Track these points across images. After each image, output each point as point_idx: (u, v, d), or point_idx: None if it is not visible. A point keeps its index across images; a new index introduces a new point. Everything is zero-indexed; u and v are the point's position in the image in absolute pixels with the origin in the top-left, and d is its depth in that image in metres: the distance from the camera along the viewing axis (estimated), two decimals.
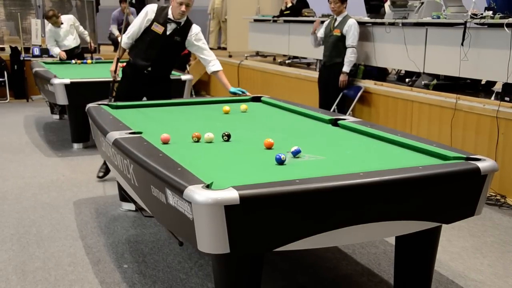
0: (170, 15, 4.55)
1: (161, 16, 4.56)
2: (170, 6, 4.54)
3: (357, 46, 6.33)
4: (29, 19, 10.40)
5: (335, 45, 6.33)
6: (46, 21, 8.05)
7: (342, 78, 6.26)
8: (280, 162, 2.64)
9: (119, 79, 4.86)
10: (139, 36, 4.66)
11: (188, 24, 4.65)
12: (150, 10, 4.57)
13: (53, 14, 7.81)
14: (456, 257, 3.68)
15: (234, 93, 4.58)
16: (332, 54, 6.37)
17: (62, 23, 7.99)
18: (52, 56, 8.52)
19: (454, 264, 3.57)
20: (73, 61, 8.00)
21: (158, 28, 4.55)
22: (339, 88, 6.31)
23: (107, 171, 5.10)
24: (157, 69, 4.75)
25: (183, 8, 4.46)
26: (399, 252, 2.98)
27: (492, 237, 4.04)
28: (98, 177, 5.19)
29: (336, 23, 6.36)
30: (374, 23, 6.74)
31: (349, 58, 6.24)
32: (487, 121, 4.87)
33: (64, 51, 8.07)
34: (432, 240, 2.88)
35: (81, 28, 8.40)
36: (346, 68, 6.26)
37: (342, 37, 6.27)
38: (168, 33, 4.58)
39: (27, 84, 9.51)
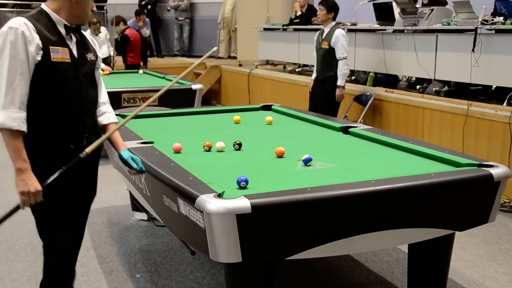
0: (61, 20, 2.48)
1: (48, 31, 2.43)
2: (56, 6, 2.47)
3: (367, 52, 6.30)
4: None
5: (324, 58, 5.95)
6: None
7: (338, 92, 5.85)
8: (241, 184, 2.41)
9: None
10: (30, 86, 2.38)
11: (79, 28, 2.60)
12: (22, 29, 2.32)
13: (97, 21, 8.08)
14: (470, 264, 3.64)
15: (125, 162, 2.74)
16: (323, 68, 6.00)
17: (100, 32, 8.24)
18: None
19: (468, 272, 3.54)
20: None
21: (60, 54, 2.44)
22: (327, 102, 5.93)
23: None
24: (92, 131, 2.66)
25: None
26: (412, 260, 2.96)
27: (507, 244, 3.99)
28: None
29: (324, 35, 5.96)
30: (384, 31, 6.74)
31: (342, 71, 5.82)
32: (499, 127, 4.83)
33: None
34: (446, 248, 2.86)
35: (109, 42, 8.76)
36: (340, 82, 5.84)
37: (331, 50, 5.85)
38: (76, 53, 2.53)
39: None
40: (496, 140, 4.87)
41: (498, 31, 5.30)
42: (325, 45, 5.92)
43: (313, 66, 8.81)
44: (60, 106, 2.46)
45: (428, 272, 2.89)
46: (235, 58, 11.41)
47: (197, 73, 10.34)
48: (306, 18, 8.77)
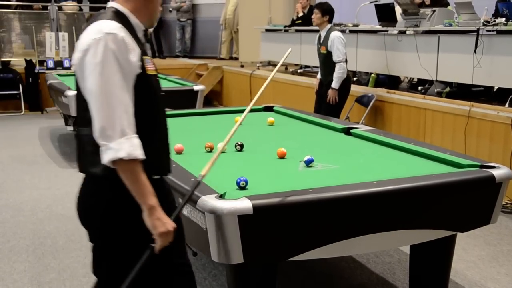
0: (139, 23, 2.02)
1: (134, 37, 1.95)
2: (133, 6, 1.98)
3: (372, 52, 6.30)
4: (44, 32, 10.53)
5: (325, 63, 5.91)
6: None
7: (331, 93, 5.79)
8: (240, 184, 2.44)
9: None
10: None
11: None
12: (122, 35, 1.87)
13: None
14: (472, 266, 3.64)
15: None
16: (326, 72, 5.95)
17: None
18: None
19: (470, 273, 3.53)
20: None
21: (151, 65, 2.01)
22: (329, 106, 5.87)
23: None
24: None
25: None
26: (414, 261, 2.96)
27: (509, 245, 3.99)
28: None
29: (322, 39, 5.90)
30: (386, 32, 6.74)
31: (337, 74, 5.74)
32: (501, 128, 4.83)
33: None
34: (447, 249, 2.85)
35: None
36: (334, 85, 5.77)
37: (330, 54, 5.79)
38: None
39: (42, 97, 9.60)
40: (498, 141, 4.86)
41: (500, 32, 5.29)
42: (323, 50, 5.89)
43: (315, 67, 8.78)
44: (156, 128, 2.01)
45: (430, 273, 2.89)
46: (237, 59, 11.41)
47: (199, 74, 10.34)
48: (308, 19, 8.77)
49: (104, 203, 1.96)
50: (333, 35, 5.78)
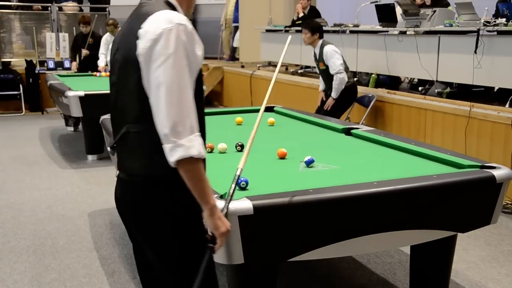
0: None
1: None
2: (176, 1, 1.90)
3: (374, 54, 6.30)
4: (44, 33, 10.54)
5: (328, 77, 5.95)
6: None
7: (329, 101, 5.89)
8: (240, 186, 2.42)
9: None
10: None
11: None
12: (191, 27, 1.78)
13: (112, 23, 8.16)
14: (472, 266, 3.64)
15: None
16: (328, 85, 6.02)
17: None
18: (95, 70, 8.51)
19: (470, 273, 3.53)
20: (89, 72, 8.19)
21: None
22: (327, 112, 5.86)
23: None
24: None
25: None
26: (414, 262, 2.96)
27: (509, 246, 3.99)
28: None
29: (317, 56, 5.98)
30: (386, 32, 6.73)
31: (335, 85, 5.81)
32: (501, 129, 4.82)
33: None
34: (448, 249, 2.85)
35: None
36: (333, 94, 5.85)
37: (328, 68, 5.89)
38: None
39: (42, 97, 9.61)
40: (499, 142, 4.86)
41: (500, 33, 5.29)
42: (322, 66, 5.96)
43: (315, 67, 8.80)
44: (202, 125, 1.87)
45: (430, 274, 2.89)
46: (237, 59, 11.42)
47: None
48: (308, 19, 8.78)
49: (169, 206, 1.82)
50: (326, 49, 5.85)
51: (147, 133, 1.74)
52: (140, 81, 1.75)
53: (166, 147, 1.68)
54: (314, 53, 6.04)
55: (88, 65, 8.46)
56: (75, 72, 8.60)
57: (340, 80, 5.81)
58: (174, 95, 1.67)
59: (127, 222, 1.98)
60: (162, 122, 1.67)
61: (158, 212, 1.83)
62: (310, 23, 6.03)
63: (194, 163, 1.69)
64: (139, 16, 1.80)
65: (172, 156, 1.67)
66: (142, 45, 1.72)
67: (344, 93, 5.90)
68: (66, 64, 9.92)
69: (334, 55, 5.82)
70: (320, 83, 6.30)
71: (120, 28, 1.67)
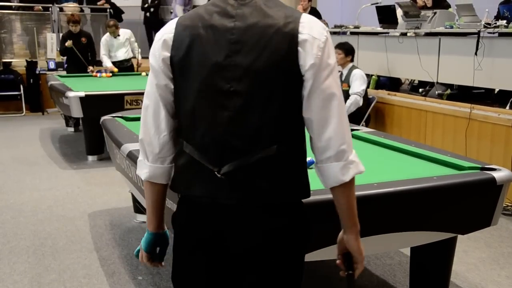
0: None
1: None
2: None
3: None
4: (45, 33, 10.54)
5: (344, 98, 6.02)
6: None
7: None
8: None
9: None
10: None
11: None
12: None
13: (113, 24, 8.14)
14: (472, 268, 3.64)
15: None
16: None
17: (118, 35, 8.26)
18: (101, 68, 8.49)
19: (470, 275, 3.53)
20: (89, 70, 8.15)
21: None
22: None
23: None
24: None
25: None
26: (414, 263, 2.96)
27: (510, 247, 3.99)
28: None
29: (343, 77, 6.01)
30: (387, 34, 6.74)
31: (348, 105, 5.77)
32: (502, 130, 4.83)
33: (114, 62, 8.31)
34: (448, 251, 2.85)
35: (135, 44, 8.70)
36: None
37: (349, 89, 5.93)
38: None
39: (43, 98, 9.61)
40: (499, 144, 4.86)
41: (501, 35, 5.30)
42: (345, 87, 5.94)
43: None
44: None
45: (430, 276, 2.89)
46: None
47: None
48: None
49: (303, 234, 1.69)
50: (356, 72, 5.95)
51: (295, 153, 1.60)
52: (289, 93, 1.51)
53: (337, 165, 1.54)
54: (341, 73, 6.05)
55: (76, 66, 8.29)
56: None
57: (355, 101, 5.85)
58: (343, 108, 1.54)
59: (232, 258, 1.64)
60: (336, 137, 1.52)
61: (293, 241, 1.66)
62: (345, 45, 6.08)
63: (353, 181, 1.58)
64: (273, 16, 1.51)
65: (345, 174, 1.54)
66: (312, 53, 1.48)
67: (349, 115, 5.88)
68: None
69: (361, 79, 5.91)
70: None
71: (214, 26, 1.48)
